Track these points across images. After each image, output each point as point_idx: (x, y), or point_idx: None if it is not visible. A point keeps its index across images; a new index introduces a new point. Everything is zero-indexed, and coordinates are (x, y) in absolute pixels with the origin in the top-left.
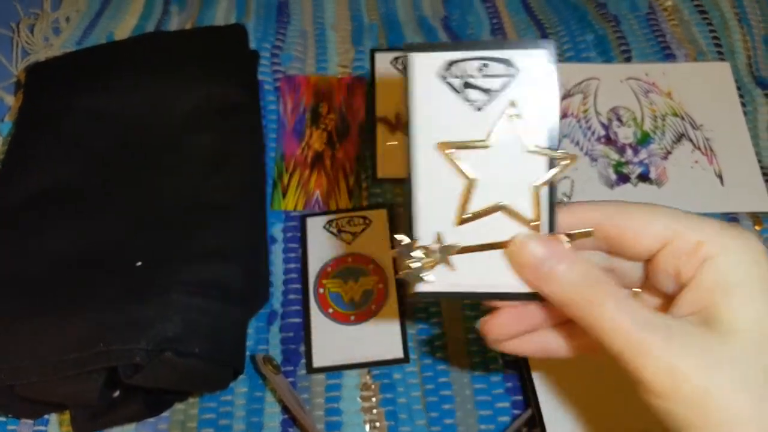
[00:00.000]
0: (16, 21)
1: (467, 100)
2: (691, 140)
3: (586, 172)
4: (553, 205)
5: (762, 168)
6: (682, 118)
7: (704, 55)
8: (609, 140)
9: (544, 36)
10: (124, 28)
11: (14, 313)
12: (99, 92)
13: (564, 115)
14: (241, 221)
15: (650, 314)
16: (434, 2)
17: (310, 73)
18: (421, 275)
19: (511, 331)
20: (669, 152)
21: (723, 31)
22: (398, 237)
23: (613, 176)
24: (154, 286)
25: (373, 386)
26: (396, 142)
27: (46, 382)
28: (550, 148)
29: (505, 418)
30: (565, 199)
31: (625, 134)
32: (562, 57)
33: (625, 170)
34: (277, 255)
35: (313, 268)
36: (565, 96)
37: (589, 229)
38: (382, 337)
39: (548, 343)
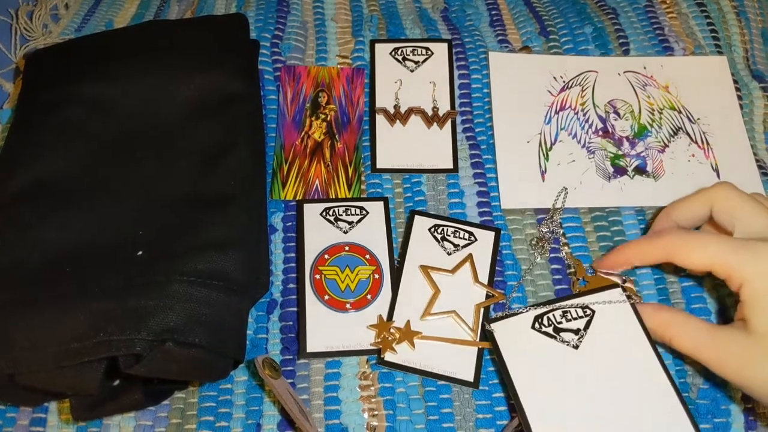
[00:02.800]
0: (15, 7)
1: (443, 248)
2: (687, 134)
3: (583, 164)
4: (484, 320)
5: (758, 161)
6: (680, 112)
7: (702, 48)
8: (606, 133)
9: (543, 28)
10: (123, 15)
11: (14, 302)
12: (99, 80)
13: (562, 108)
14: (242, 211)
15: (703, 333)
16: None
17: (310, 63)
18: (392, 345)
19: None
20: (666, 145)
21: (720, 24)
22: (380, 315)
23: (610, 169)
24: (155, 277)
25: (371, 375)
26: None
27: (46, 372)
28: (488, 285)
29: (502, 408)
30: (565, 191)
31: (623, 127)
32: (561, 50)
33: (622, 163)
34: (276, 244)
35: (310, 253)
36: (564, 88)
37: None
38: None
39: None
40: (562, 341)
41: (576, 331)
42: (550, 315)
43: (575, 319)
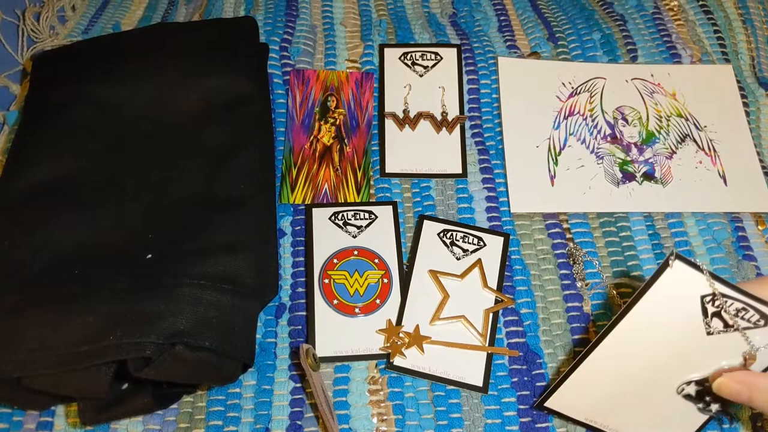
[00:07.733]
0: (22, 9)
1: (452, 252)
2: (695, 141)
3: (592, 170)
4: (495, 325)
5: (764, 168)
6: (687, 119)
7: (709, 55)
8: (615, 139)
9: (551, 33)
10: (130, 18)
11: (22, 303)
12: (106, 83)
13: (570, 113)
14: (252, 214)
15: None
16: None
17: (319, 67)
18: (401, 350)
19: None
20: (674, 152)
21: (727, 32)
22: (389, 319)
23: (619, 174)
24: (164, 279)
25: (380, 380)
26: None
27: (55, 375)
28: (497, 290)
29: (511, 413)
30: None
31: (631, 133)
32: (569, 56)
33: (630, 169)
34: (285, 248)
35: (319, 258)
36: (572, 94)
37: None
38: None
39: None
40: None
41: None
42: None
43: None
